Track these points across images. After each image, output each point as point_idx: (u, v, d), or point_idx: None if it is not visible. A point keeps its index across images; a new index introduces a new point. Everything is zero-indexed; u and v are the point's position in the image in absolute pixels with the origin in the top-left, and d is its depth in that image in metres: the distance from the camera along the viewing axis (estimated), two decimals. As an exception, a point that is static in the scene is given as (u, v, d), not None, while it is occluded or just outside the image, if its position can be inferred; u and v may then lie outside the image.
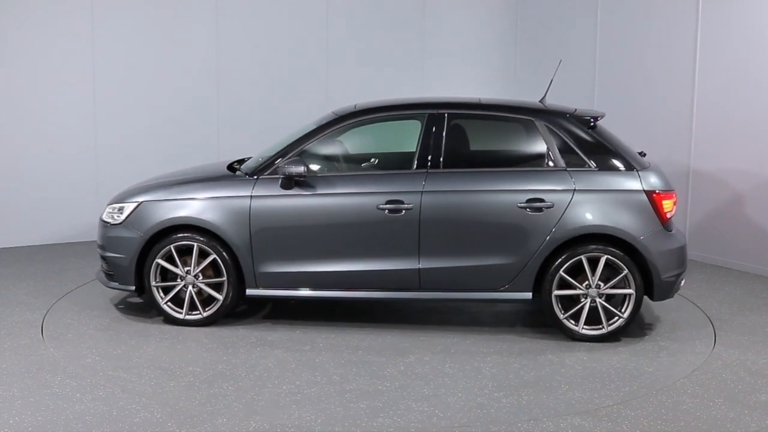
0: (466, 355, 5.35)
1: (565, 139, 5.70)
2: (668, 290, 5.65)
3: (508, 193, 5.61)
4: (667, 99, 8.27)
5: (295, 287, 5.79)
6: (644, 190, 5.56)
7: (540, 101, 6.19)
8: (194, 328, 5.79)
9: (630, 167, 5.63)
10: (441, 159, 5.71)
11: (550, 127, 5.73)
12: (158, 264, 5.84)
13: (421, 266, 5.66)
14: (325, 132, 5.90)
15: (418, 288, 5.71)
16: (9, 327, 5.81)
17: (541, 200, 5.56)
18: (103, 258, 6.13)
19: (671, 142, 8.20)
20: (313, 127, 5.99)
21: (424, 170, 5.69)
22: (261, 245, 5.73)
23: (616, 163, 5.66)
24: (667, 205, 5.59)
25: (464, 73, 10.32)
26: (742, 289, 7.02)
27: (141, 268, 5.89)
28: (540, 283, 5.62)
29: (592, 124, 5.78)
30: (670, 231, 5.66)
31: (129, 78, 8.64)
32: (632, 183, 5.59)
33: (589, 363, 5.23)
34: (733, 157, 7.62)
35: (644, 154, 6.05)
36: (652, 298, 5.65)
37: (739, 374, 5.06)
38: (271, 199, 5.73)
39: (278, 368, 5.12)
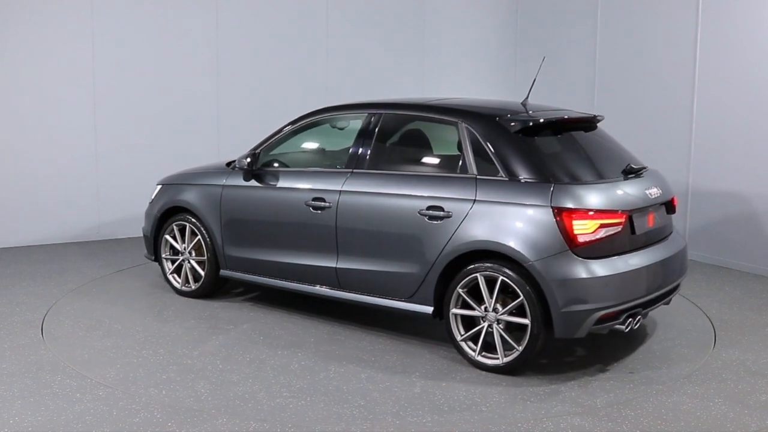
0: (335, 360, 5.24)
1: (483, 144, 5.14)
2: (573, 326, 4.76)
3: (410, 198, 5.28)
4: (667, 98, 8.28)
5: (250, 272, 6.22)
6: (551, 207, 4.79)
7: (522, 103, 5.76)
8: (192, 320, 5.86)
9: (546, 179, 4.89)
10: (367, 159, 5.63)
11: (471, 130, 5.23)
12: (166, 239, 6.64)
13: (338, 265, 5.65)
14: (286, 130, 6.21)
15: (338, 286, 5.71)
16: (9, 327, 5.81)
17: (440, 208, 5.13)
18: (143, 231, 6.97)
19: (672, 142, 8.20)
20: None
21: (350, 170, 5.67)
22: (227, 229, 6.26)
23: (533, 173, 4.94)
24: (580, 226, 4.74)
25: (464, 73, 10.33)
26: (742, 289, 7.02)
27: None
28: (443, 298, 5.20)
29: (522, 127, 5.12)
30: (594, 257, 4.79)
31: (129, 78, 8.64)
32: (539, 197, 4.83)
33: (470, 386, 4.82)
34: (734, 156, 7.62)
35: (633, 168, 5.30)
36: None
37: (739, 374, 5.06)
38: (234, 189, 6.23)
39: (166, 339, 5.65)
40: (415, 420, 4.38)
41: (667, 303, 5.59)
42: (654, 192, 5.29)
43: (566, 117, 5.48)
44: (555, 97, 9.15)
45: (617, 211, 4.90)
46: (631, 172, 5.29)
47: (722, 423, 4.36)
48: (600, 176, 5.15)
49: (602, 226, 4.80)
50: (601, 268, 4.79)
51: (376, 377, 4.97)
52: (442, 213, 5.13)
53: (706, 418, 4.41)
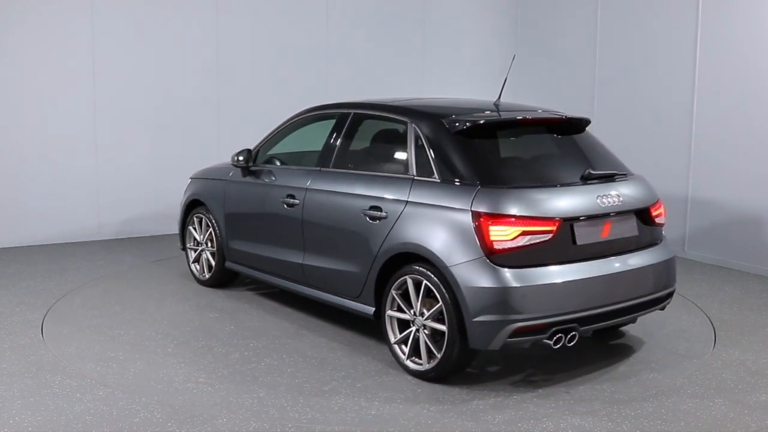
0: (278, 353, 5.30)
1: (425, 145, 5.01)
2: (485, 337, 4.50)
3: (357, 198, 5.29)
4: (667, 99, 8.28)
5: (244, 265, 6.44)
6: (471, 210, 4.57)
7: (495, 103, 5.57)
8: (187, 306, 6.05)
9: (476, 182, 4.67)
10: (332, 159, 5.69)
11: (417, 130, 5.10)
12: (190, 230, 6.98)
13: (304, 262, 5.76)
14: (279, 129, 6.41)
15: (304, 282, 5.81)
16: (9, 327, 5.82)
17: (379, 209, 5.10)
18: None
19: (671, 141, 8.20)
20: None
21: (318, 168, 5.76)
22: (228, 222, 6.53)
23: (465, 176, 4.74)
24: (498, 232, 4.47)
25: (464, 73, 10.34)
26: (742, 289, 7.02)
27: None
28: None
29: (465, 127, 4.91)
30: (519, 266, 4.50)
31: (129, 78, 8.65)
32: (462, 200, 4.63)
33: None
34: (734, 156, 7.62)
35: (592, 174, 4.93)
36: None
37: (739, 374, 5.06)
38: (234, 185, 6.49)
39: (147, 322, 5.93)
40: (295, 416, 4.35)
41: (633, 321, 5.21)
42: (612, 201, 4.85)
43: (521, 118, 5.22)
44: (554, 97, 9.16)
45: (546, 218, 4.56)
46: (592, 178, 4.92)
47: (722, 423, 4.35)
48: (545, 181, 4.83)
49: (525, 233, 4.50)
50: (520, 277, 4.48)
51: (301, 372, 4.99)
52: (379, 213, 5.12)
53: (706, 418, 4.40)
